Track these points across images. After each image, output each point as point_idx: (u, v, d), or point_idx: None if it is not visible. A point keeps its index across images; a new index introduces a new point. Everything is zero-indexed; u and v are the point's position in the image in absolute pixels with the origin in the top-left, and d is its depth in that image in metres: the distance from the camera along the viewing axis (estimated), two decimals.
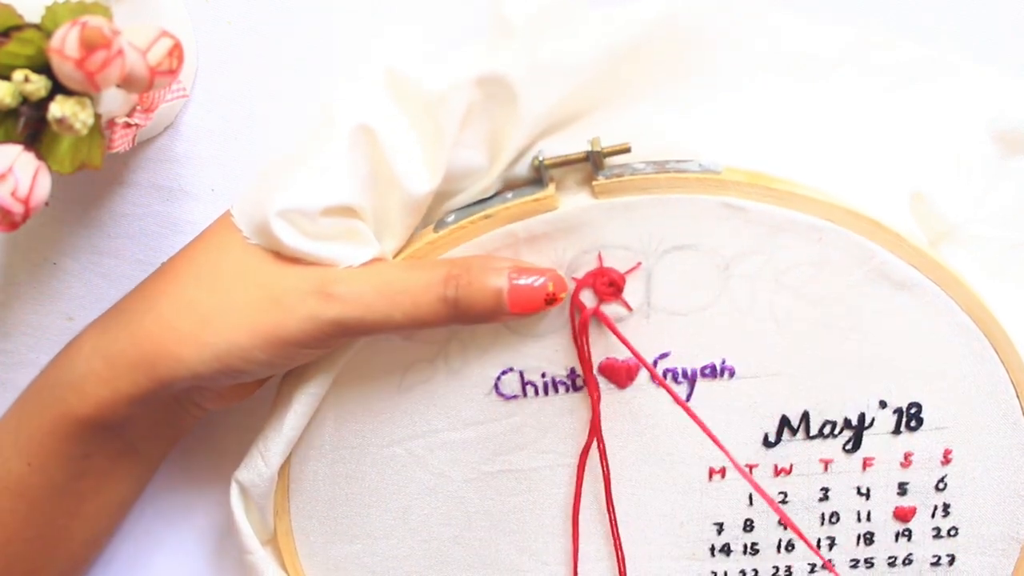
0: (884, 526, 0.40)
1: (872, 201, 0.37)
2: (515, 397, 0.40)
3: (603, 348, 0.39)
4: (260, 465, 0.39)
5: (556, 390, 0.40)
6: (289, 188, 0.35)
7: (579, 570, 0.42)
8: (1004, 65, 0.38)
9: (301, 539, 0.42)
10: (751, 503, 0.40)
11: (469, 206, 0.38)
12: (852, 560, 0.41)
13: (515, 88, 0.35)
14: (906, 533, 0.41)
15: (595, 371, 0.39)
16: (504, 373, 0.39)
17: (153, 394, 0.36)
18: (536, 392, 0.40)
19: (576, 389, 0.39)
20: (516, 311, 0.36)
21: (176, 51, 0.31)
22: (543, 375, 0.39)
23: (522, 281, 0.36)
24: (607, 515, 0.41)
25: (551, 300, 0.36)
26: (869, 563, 0.41)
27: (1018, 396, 0.38)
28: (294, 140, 0.38)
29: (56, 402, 0.37)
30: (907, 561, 0.41)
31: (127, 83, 0.30)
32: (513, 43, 0.36)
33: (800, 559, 0.41)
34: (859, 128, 0.37)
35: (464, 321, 0.36)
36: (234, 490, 0.40)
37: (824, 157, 0.37)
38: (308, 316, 0.35)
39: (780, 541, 0.41)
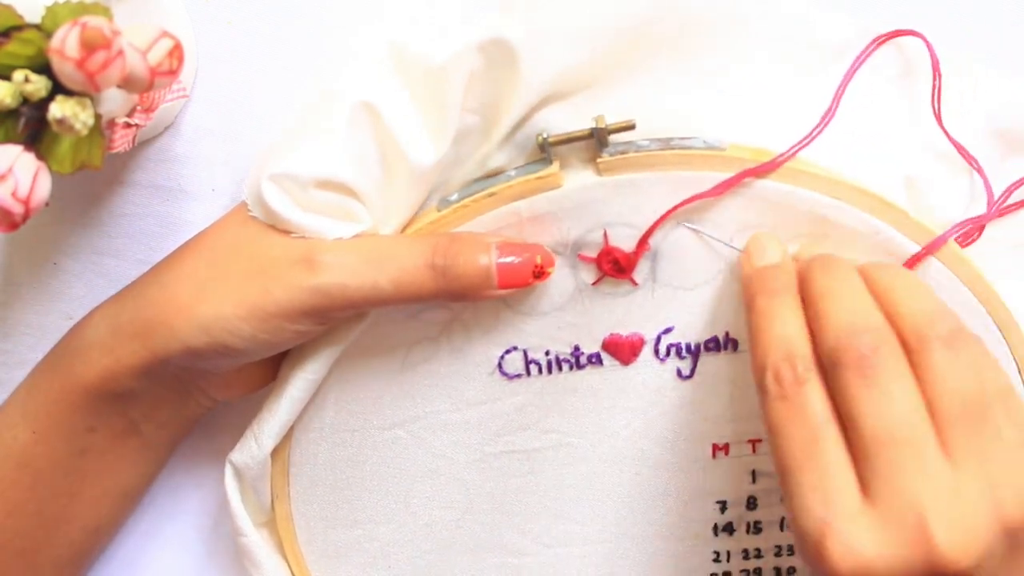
0: None
1: (870, 184, 0.37)
2: (518, 376, 0.40)
3: (607, 324, 0.39)
4: (253, 447, 0.39)
5: (560, 368, 0.40)
6: (284, 155, 0.36)
7: (581, 552, 0.42)
8: (1004, 65, 0.38)
9: (301, 524, 0.42)
10: (754, 480, 0.41)
11: (472, 183, 0.38)
12: None
13: (516, 51, 0.35)
14: None
15: (599, 347, 0.39)
16: (507, 352, 0.40)
17: (152, 366, 0.37)
18: (540, 371, 0.40)
19: (579, 367, 0.40)
20: (504, 286, 0.36)
21: (176, 51, 0.31)
22: (547, 353, 0.39)
23: (509, 257, 0.36)
24: (609, 495, 0.41)
25: (539, 274, 0.37)
26: None
27: (1020, 374, 0.38)
28: (299, 110, 0.39)
29: (62, 369, 0.38)
30: None
31: (127, 83, 0.30)
32: (515, 11, 0.36)
33: None
34: (859, 118, 0.37)
35: (452, 295, 0.36)
36: (229, 472, 0.40)
37: (825, 144, 0.37)
38: (292, 284, 0.35)
39: (783, 519, 0.41)
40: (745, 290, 0.35)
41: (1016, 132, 0.38)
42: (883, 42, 0.37)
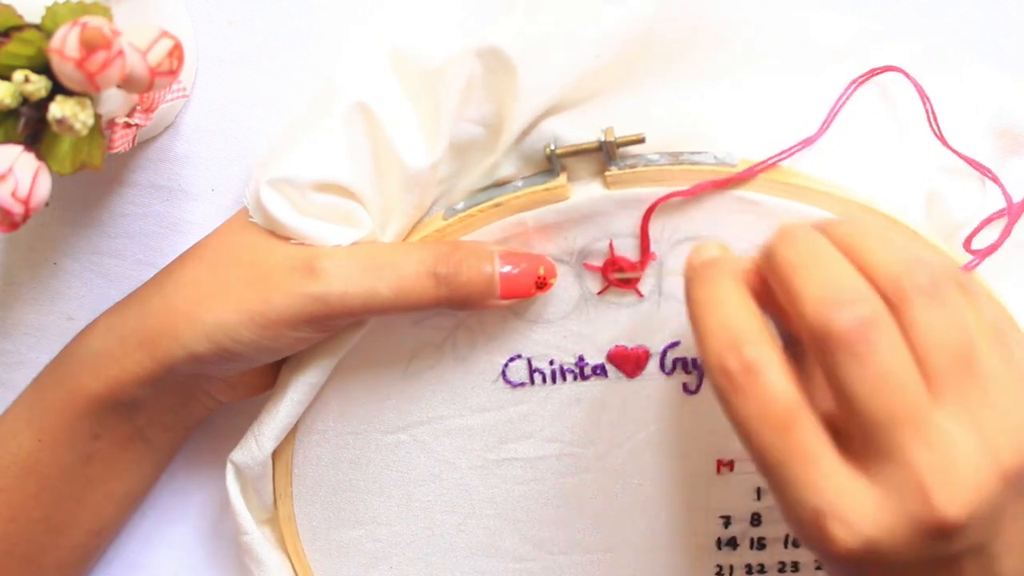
0: None
1: (883, 197, 0.37)
2: (522, 385, 0.40)
3: (612, 334, 0.39)
4: (254, 448, 0.39)
5: (564, 378, 0.40)
6: (282, 159, 0.36)
7: (582, 560, 0.42)
8: (1004, 65, 0.38)
9: (303, 524, 0.42)
10: (758, 497, 0.40)
11: (479, 192, 0.38)
12: None
13: (513, 60, 0.35)
14: None
15: (603, 358, 0.39)
16: (512, 360, 0.39)
17: (158, 375, 0.37)
18: (544, 380, 0.40)
19: (584, 377, 0.40)
20: (506, 296, 0.36)
21: (176, 51, 0.31)
22: (551, 363, 0.39)
23: (512, 267, 0.36)
24: (612, 505, 0.41)
25: (541, 285, 0.37)
26: None
27: None
28: (296, 112, 0.39)
29: (68, 378, 0.38)
30: None
31: (127, 83, 0.30)
32: (513, 18, 0.36)
33: (807, 555, 0.41)
34: (865, 122, 0.37)
35: (453, 304, 0.36)
36: (230, 471, 0.40)
37: (834, 150, 0.37)
38: (292, 292, 0.35)
39: (787, 536, 0.41)
40: (684, 294, 0.32)
41: (1016, 132, 0.37)
42: (862, 83, 0.37)
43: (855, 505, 0.27)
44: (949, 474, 0.26)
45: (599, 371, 0.39)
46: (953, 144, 0.37)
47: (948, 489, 0.26)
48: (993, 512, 0.27)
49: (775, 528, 0.41)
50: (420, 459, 0.41)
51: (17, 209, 0.30)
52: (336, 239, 0.36)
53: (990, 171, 0.37)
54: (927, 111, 0.37)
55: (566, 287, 0.38)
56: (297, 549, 0.42)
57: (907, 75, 0.37)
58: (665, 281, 0.38)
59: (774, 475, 0.28)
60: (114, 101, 0.33)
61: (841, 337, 0.27)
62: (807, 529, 0.27)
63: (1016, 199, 0.37)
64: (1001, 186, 0.37)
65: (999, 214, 0.37)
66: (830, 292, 0.27)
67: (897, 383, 0.27)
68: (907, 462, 0.26)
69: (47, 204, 0.31)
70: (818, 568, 0.42)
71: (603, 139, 0.36)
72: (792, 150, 0.36)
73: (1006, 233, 0.36)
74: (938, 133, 0.37)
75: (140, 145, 0.40)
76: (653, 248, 0.37)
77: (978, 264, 0.36)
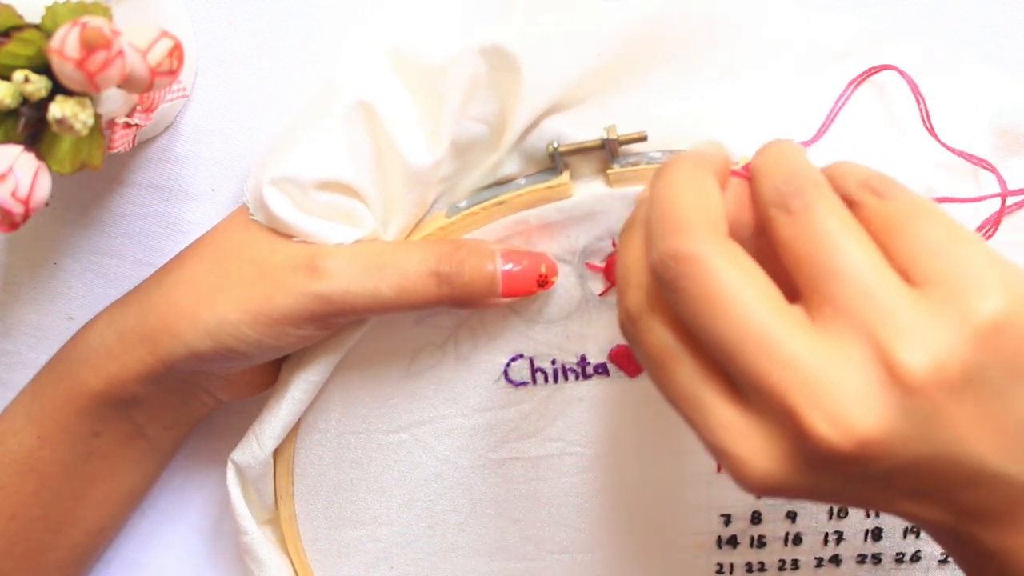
0: (892, 522, 0.40)
1: None
2: (524, 384, 0.40)
3: (614, 334, 0.39)
4: (255, 447, 0.39)
5: (566, 377, 0.40)
6: (284, 158, 0.36)
7: (584, 558, 0.42)
8: (1004, 65, 0.38)
9: (305, 524, 0.42)
10: (759, 495, 0.40)
11: (482, 190, 0.38)
12: (859, 555, 0.41)
13: (516, 59, 0.35)
14: (914, 530, 0.41)
15: (605, 358, 0.39)
16: (514, 360, 0.39)
17: (158, 372, 0.37)
18: (546, 379, 0.40)
19: (586, 377, 0.40)
20: (508, 294, 0.36)
21: (176, 51, 0.31)
22: (553, 362, 0.39)
23: (514, 265, 0.36)
24: (613, 504, 0.41)
25: (543, 282, 0.37)
26: (876, 559, 0.41)
27: None
28: (298, 109, 0.39)
29: (68, 375, 0.38)
30: (915, 558, 0.41)
31: (127, 83, 0.30)
32: (514, 18, 0.36)
33: (807, 553, 0.41)
34: (863, 121, 0.37)
35: (455, 302, 0.36)
36: (231, 470, 0.40)
37: (832, 149, 0.37)
38: (295, 290, 0.35)
39: (787, 534, 0.41)
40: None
41: (1016, 132, 0.37)
42: (859, 83, 0.37)
43: (745, 443, 0.26)
44: (827, 399, 0.24)
45: (601, 371, 0.39)
46: (952, 143, 0.37)
47: (822, 412, 0.24)
48: (908, 425, 0.24)
49: (775, 526, 0.41)
50: (422, 458, 0.41)
51: (17, 209, 0.30)
52: (338, 237, 0.36)
53: (986, 162, 0.37)
54: (921, 109, 0.37)
55: (568, 288, 0.38)
56: (298, 549, 0.42)
57: (903, 73, 0.37)
58: None
59: (677, 412, 0.28)
60: (114, 101, 0.33)
61: (664, 277, 0.26)
62: (719, 463, 0.27)
63: (1011, 199, 0.37)
64: (996, 173, 0.36)
65: (998, 215, 0.37)
66: (668, 226, 0.27)
67: (733, 306, 0.25)
68: (771, 388, 0.25)
69: (47, 204, 0.31)
70: (818, 566, 0.42)
71: (606, 137, 0.36)
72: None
73: (999, 219, 0.36)
74: (930, 129, 0.37)
75: (140, 145, 0.40)
76: None
77: None
